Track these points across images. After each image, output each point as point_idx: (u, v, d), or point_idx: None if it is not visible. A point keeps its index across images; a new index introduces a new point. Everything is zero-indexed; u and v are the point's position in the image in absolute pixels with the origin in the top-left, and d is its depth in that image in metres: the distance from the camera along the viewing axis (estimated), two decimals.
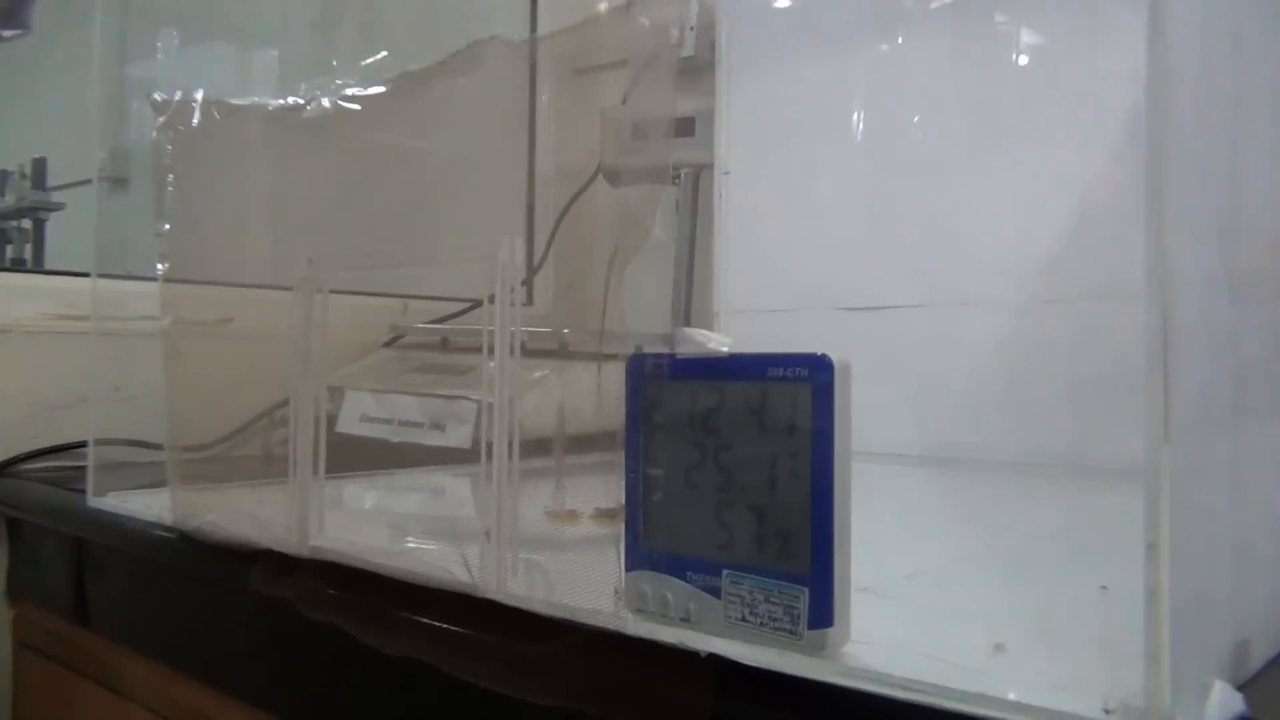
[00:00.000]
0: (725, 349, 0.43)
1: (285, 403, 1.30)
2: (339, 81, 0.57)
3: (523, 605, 0.50)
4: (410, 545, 0.59)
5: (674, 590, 0.44)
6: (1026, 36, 1.09)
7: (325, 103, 0.58)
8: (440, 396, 1.08)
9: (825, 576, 0.40)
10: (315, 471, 0.68)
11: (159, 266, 0.71)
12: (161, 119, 0.70)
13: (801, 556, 0.41)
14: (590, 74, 1.56)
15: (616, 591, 0.46)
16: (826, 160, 1.21)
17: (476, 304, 0.58)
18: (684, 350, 0.44)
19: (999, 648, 0.41)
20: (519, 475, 0.54)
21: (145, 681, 0.88)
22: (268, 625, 0.72)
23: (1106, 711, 0.34)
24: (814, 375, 0.40)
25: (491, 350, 0.51)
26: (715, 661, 0.43)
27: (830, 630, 0.40)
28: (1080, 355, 1.01)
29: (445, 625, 0.57)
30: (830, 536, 0.40)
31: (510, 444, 0.52)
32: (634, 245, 0.48)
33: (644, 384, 0.45)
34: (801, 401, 0.41)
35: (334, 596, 0.64)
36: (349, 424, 1.17)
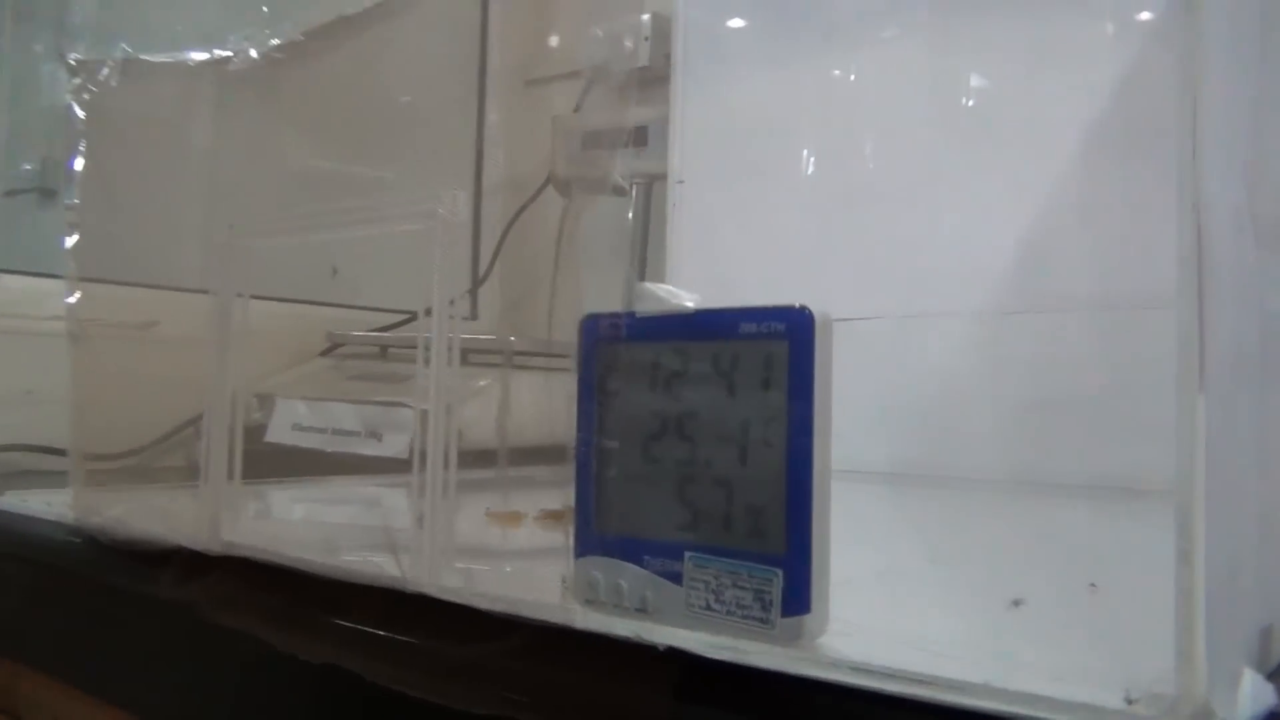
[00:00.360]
0: (691, 304, 0.38)
1: None
2: (268, 32, 0.52)
3: (457, 599, 0.45)
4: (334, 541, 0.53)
5: (629, 577, 0.39)
6: (983, 47, 1.07)
7: (254, 53, 0.53)
8: (377, 404, 1.02)
9: (802, 557, 0.36)
10: (231, 470, 0.62)
11: (67, 241, 0.65)
12: (76, 81, 0.64)
13: (775, 535, 0.36)
14: (541, 85, 1.53)
15: (564, 581, 0.41)
16: (782, 170, 1.18)
17: (414, 316, 0.55)
18: (644, 308, 0.40)
19: (1017, 602, 0.36)
20: (456, 483, 0.49)
21: (42, 702, 0.80)
22: (177, 635, 0.65)
23: (1129, 701, 0.30)
24: (792, 330, 0.36)
25: (430, 313, 0.46)
26: (675, 656, 0.38)
27: (807, 618, 0.35)
28: (1041, 368, 0.98)
29: (371, 629, 0.51)
30: (808, 512, 0.36)
31: (447, 431, 0.47)
32: (593, 190, 0.43)
33: (598, 346, 0.41)
34: (777, 360, 0.36)
35: (250, 599, 0.58)
36: (280, 433, 1.10)
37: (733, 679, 0.38)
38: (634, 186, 1.35)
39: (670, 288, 0.38)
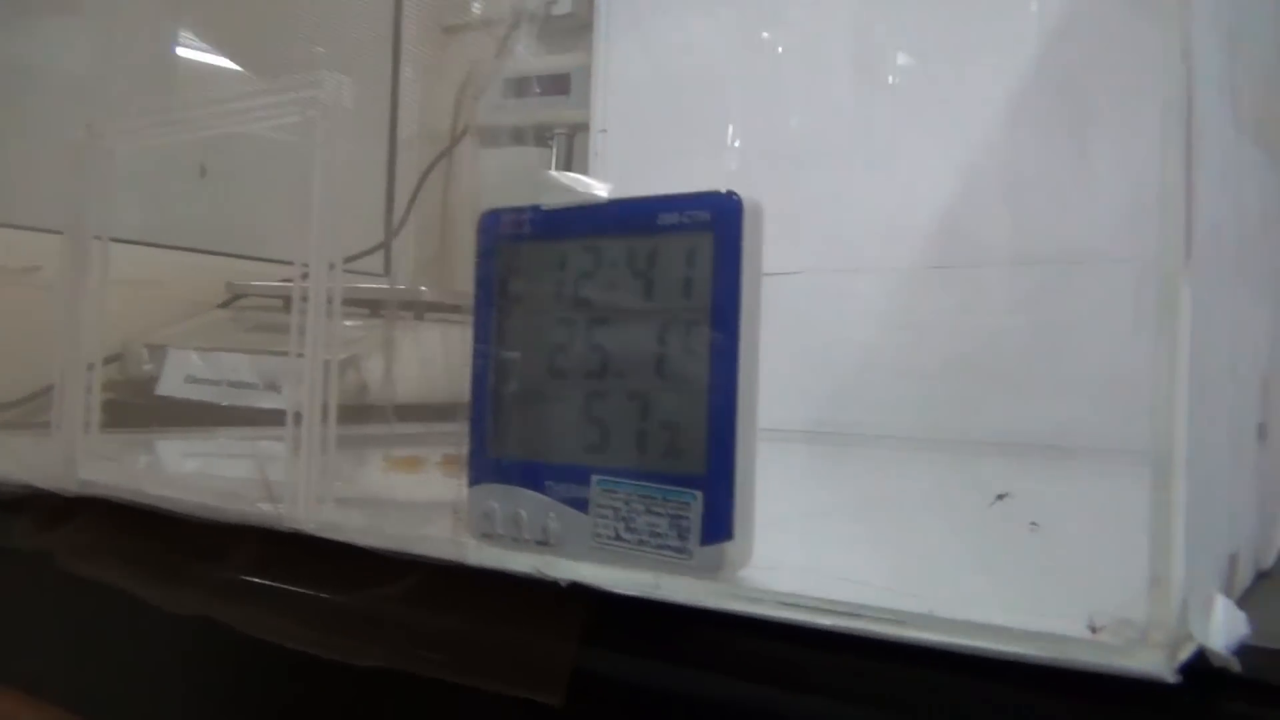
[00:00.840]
0: (604, 194, 0.34)
1: (105, 361, 1.15)
2: None
3: (337, 536, 0.40)
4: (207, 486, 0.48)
5: (529, 505, 0.35)
6: (909, 2, 1.04)
7: None
8: (275, 354, 0.96)
9: (724, 478, 0.31)
10: (89, 411, 0.56)
11: None
12: None
13: (694, 453, 0.32)
14: (460, 32, 1.46)
15: (455, 512, 0.37)
16: (705, 121, 1.14)
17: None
18: (551, 201, 0.35)
19: (1034, 525, 0.33)
20: (335, 423, 0.44)
21: None
22: (35, 587, 0.59)
23: (1092, 629, 0.26)
24: (718, 220, 0.32)
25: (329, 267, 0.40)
26: (580, 593, 0.34)
27: (729, 545, 0.31)
28: (964, 325, 0.96)
29: (244, 576, 0.46)
30: (732, 427, 0.31)
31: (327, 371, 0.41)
32: (487, 77, 0.38)
33: (499, 245, 0.36)
34: (701, 254, 0.32)
35: (113, 547, 0.52)
36: (171, 386, 1.04)
37: (647, 616, 0.33)
38: (556, 136, 1.30)
39: (580, 177, 0.34)
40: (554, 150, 1.28)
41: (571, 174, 0.33)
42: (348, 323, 0.85)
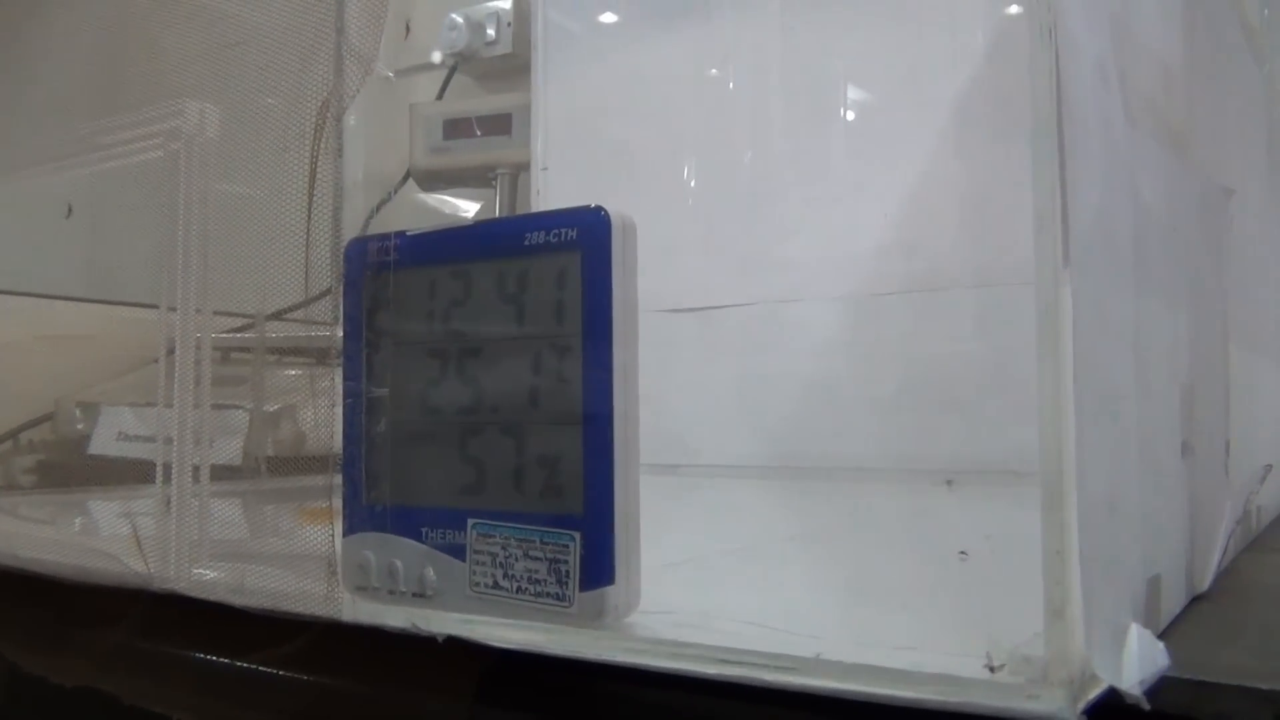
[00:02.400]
0: (470, 215, 0.31)
1: (36, 421, 1.11)
2: None
3: (210, 596, 0.37)
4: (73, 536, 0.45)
5: (405, 555, 0.32)
6: (853, 24, 1.03)
7: None
8: (215, 407, 0.93)
9: (603, 517, 0.29)
10: None
11: None
12: None
13: (572, 491, 0.29)
14: (403, 76, 1.44)
15: (330, 565, 0.34)
16: (649, 154, 1.12)
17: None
18: (417, 226, 0.33)
19: (963, 554, 0.31)
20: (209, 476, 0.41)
21: None
22: None
23: (991, 669, 0.24)
24: (585, 236, 0.29)
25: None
26: (458, 647, 0.31)
27: (610, 590, 0.29)
28: (916, 350, 0.94)
29: (127, 642, 0.43)
30: (609, 461, 0.29)
31: (199, 390, 0.39)
32: (354, 82, 0.36)
33: (365, 276, 0.33)
34: (570, 274, 0.30)
35: None
36: (104, 444, 1.00)
37: (528, 669, 0.31)
38: (499, 176, 1.28)
39: (446, 198, 0.31)
40: (497, 191, 1.26)
41: (439, 195, 0.31)
42: (290, 372, 0.82)
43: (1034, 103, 0.22)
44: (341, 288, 0.34)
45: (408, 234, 0.33)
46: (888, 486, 0.88)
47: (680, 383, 0.99)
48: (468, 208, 1.13)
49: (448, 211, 1.22)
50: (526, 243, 0.30)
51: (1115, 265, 0.26)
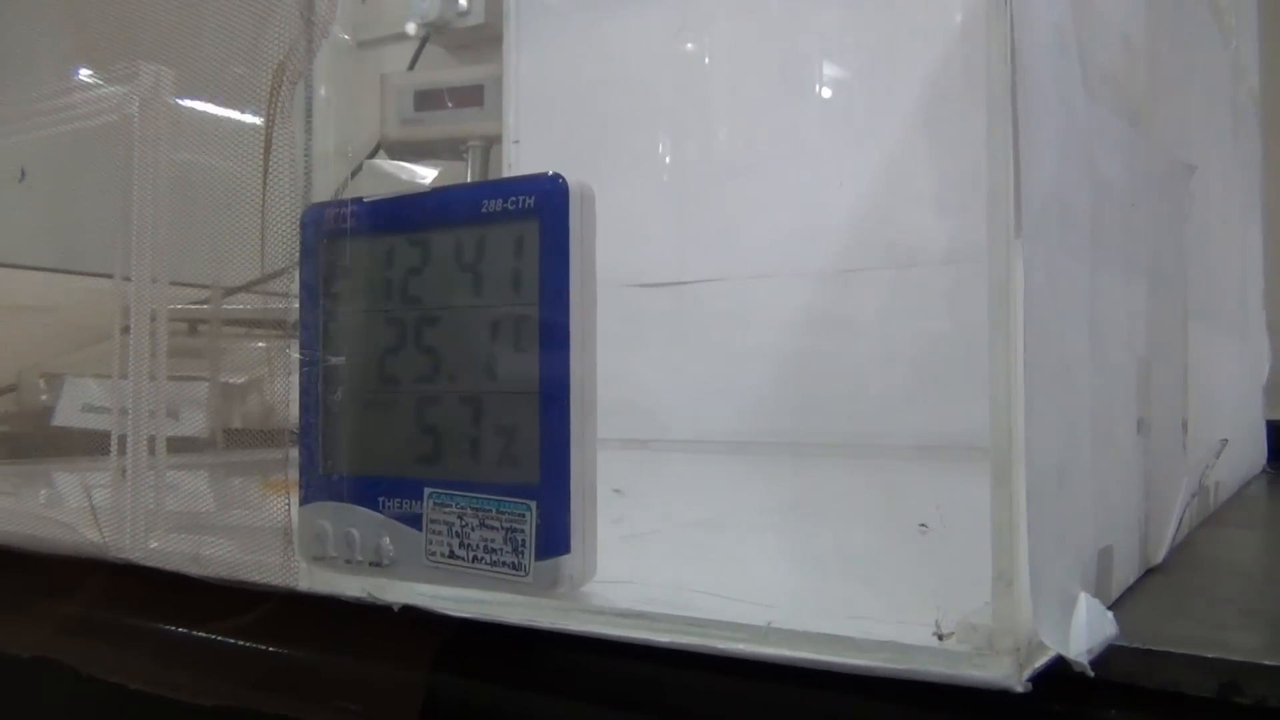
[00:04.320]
0: (427, 181, 0.31)
1: None
2: None
3: (165, 565, 0.36)
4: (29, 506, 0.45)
5: (361, 524, 0.32)
6: (823, 3, 1.03)
7: None
8: (178, 379, 0.92)
9: (559, 487, 0.29)
10: None
11: None
12: None
13: (528, 460, 0.29)
14: (373, 46, 1.43)
15: (286, 534, 0.34)
16: (622, 128, 1.11)
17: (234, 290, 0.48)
18: (375, 192, 0.32)
19: (923, 527, 0.31)
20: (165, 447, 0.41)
21: None
22: None
23: (939, 637, 0.24)
24: (542, 204, 0.29)
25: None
26: (413, 617, 0.31)
27: (565, 559, 0.29)
28: (889, 326, 0.94)
29: (83, 612, 0.43)
30: (565, 430, 0.29)
31: (154, 362, 0.38)
32: (309, 48, 0.35)
33: (321, 243, 0.33)
34: (528, 243, 0.29)
35: None
36: (68, 415, 0.99)
37: (485, 638, 0.31)
38: (470, 149, 1.27)
39: (405, 164, 0.31)
40: (469, 163, 1.25)
41: (397, 162, 0.30)
42: (259, 344, 0.82)
43: (988, 71, 0.22)
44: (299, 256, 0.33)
45: (364, 200, 0.32)
46: (857, 461, 0.89)
47: (651, 357, 0.98)
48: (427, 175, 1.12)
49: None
50: (484, 210, 0.30)
51: (1070, 238, 0.26)
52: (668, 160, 1.09)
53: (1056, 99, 0.25)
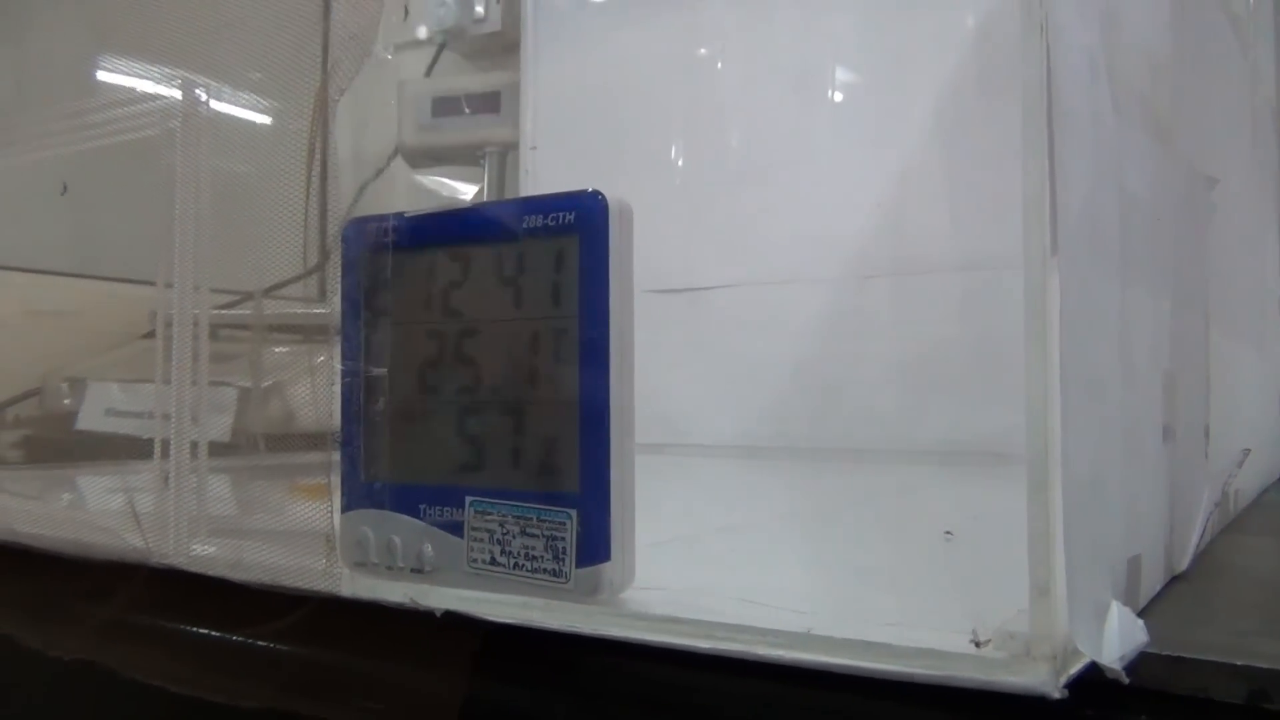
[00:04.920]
0: (468, 198, 0.32)
1: (22, 396, 1.11)
2: None
3: (208, 570, 0.37)
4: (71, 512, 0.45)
5: (404, 531, 0.33)
6: (842, 5, 1.03)
7: None
8: (214, 383, 0.93)
9: (599, 495, 0.29)
10: None
11: None
12: None
13: (569, 470, 0.30)
14: (392, 53, 1.44)
15: (329, 540, 0.34)
16: (638, 134, 1.12)
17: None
18: (416, 207, 0.33)
19: (948, 534, 0.31)
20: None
21: None
22: None
23: (976, 644, 0.24)
24: (582, 221, 0.30)
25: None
26: (456, 622, 0.32)
27: (606, 566, 0.29)
28: (904, 333, 0.95)
29: (125, 616, 0.43)
30: (605, 440, 0.29)
31: (197, 367, 0.39)
32: (353, 63, 0.36)
33: (363, 257, 0.34)
34: (568, 258, 0.30)
35: None
36: (91, 419, 1.00)
37: (527, 644, 0.31)
38: (487, 155, 1.28)
39: (445, 180, 0.32)
40: (485, 169, 1.26)
41: (437, 177, 0.31)
42: (278, 349, 0.82)
43: (1025, 94, 0.22)
44: (339, 267, 0.34)
45: (406, 215, 0.33)
46: (874, 467, 0.89)
47: (668, 363, 0.99)
48: (459, 188, 1.13)
49: (445, 194, 1.22)
50: (525, 225, 0.31)
51: (1102, 254, 0.27)
52: (683, 166, 1.10)
53: (1088, 120, 0.26)
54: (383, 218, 0.33)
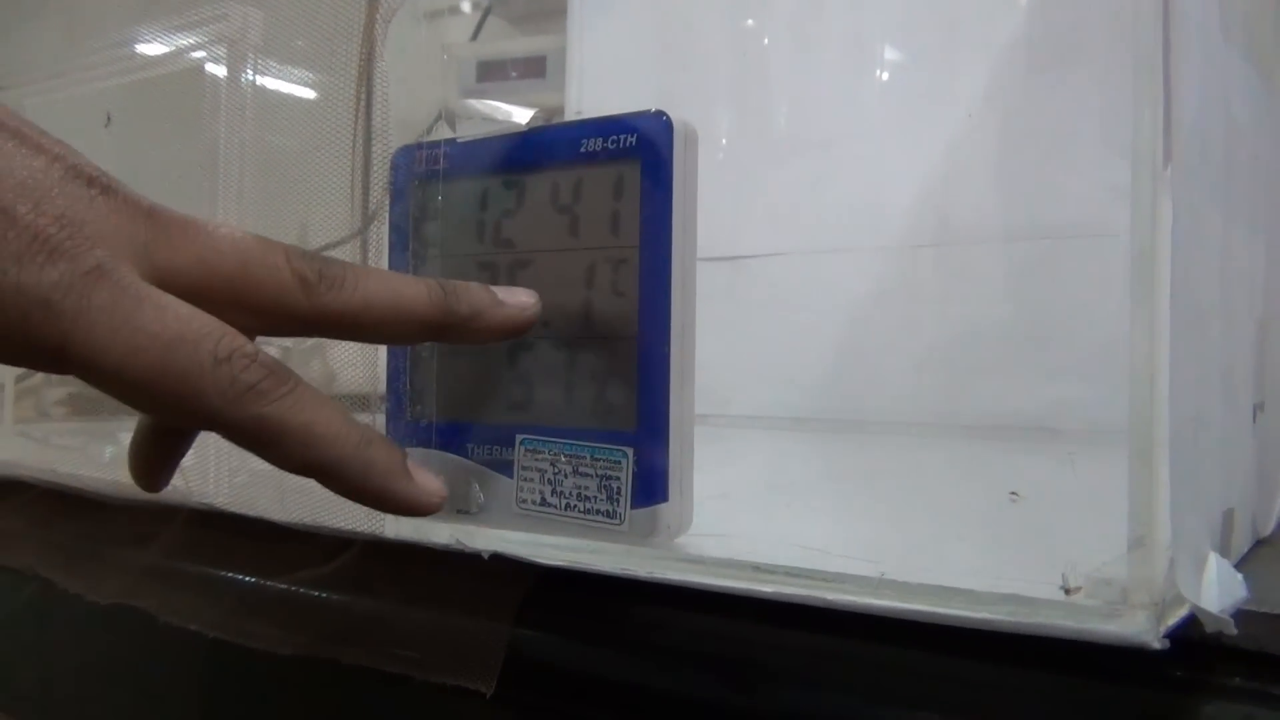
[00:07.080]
0: (524, 121, 0.30)
1: None
2: None
3: (248, 510, 0.36)
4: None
5: (451, 470, 0.31)
6: None
7: None
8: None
9: (657, 434, 0.28)
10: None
11: None
12: None
13: (625, 407, 0.28)
14: (438, 18, 1.42)
15: None
16: (683, 102, 1.10)
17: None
18: (469, 132, 0.32)
19: (1014, 495, 0.30)
20: None
21: None
22: None
23: (1066, 591, 0.23)
24: (645, 144, 0.28)
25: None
26: (509, 566, 0.30)
27: (663, 507, 0.28)
28: (953, 304, 0.92)
29: (167, 561, 0.43)
30: (665, 377, 0.28)
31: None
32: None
33: (413, 185, 0.32)
34: (629, 185, 0.28)
35: (32, 534, 0.49)
36: None
37: (577, 588, 0.30)
38: (532, 120, 1.26)
39: (500, 104, 0.30)
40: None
41: (491, 102, 0.30)
42: None
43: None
44: (387, 203, 0.33)
45: (458, 140, 0.32)
46: (921, 439, 0.87)
47: (709, 331, 0.97)
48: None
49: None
50: (582, 150, 0.29)
51: (1209, 179, 0.25)
52: (728, 133, 1.08)
53: (1198, 36, 0.24)
54: (434, 144, 0.32)
